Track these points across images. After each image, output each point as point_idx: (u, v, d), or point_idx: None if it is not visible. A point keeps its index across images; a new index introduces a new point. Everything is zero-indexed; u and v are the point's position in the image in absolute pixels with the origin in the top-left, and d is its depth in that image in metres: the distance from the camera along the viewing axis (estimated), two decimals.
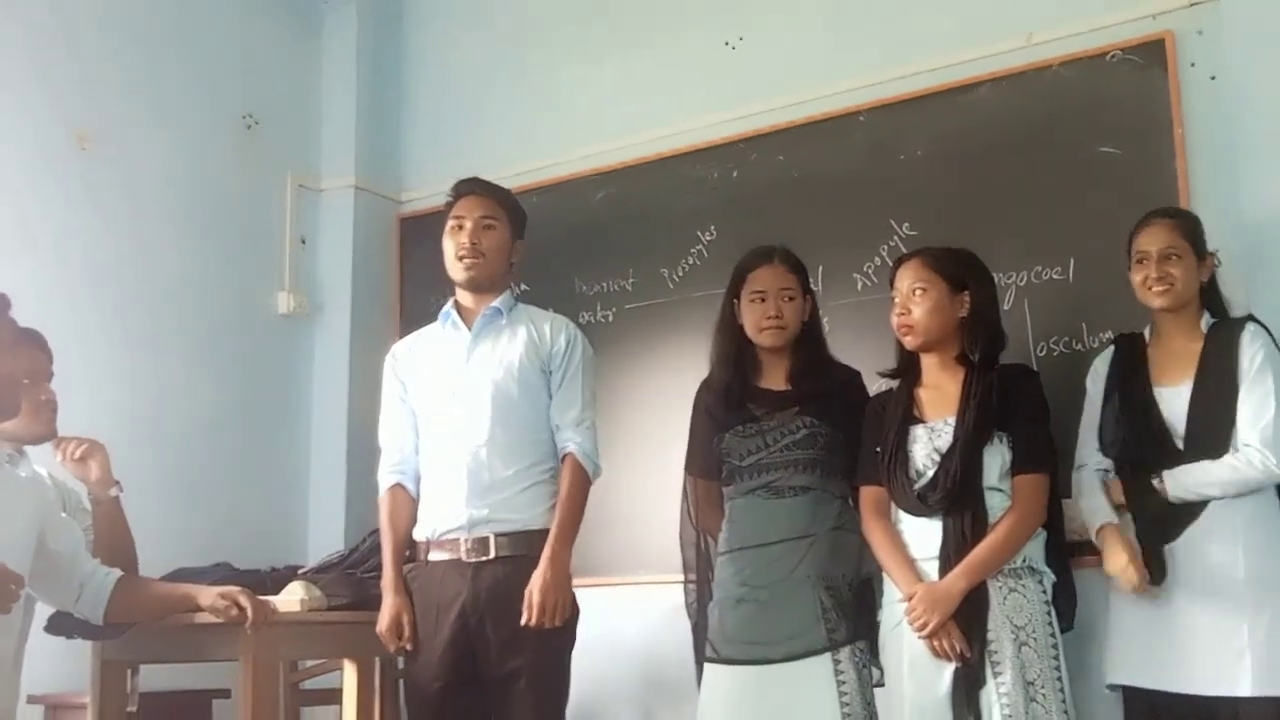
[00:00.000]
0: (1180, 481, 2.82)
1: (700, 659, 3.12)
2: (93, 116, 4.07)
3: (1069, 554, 3.01)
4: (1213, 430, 2.83)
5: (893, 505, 2.98)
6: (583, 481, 3.04)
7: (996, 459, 2.89)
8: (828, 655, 2.93)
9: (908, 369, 3.09)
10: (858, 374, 3.20)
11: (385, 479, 3.13)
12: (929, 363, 3.05)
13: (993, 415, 2.89)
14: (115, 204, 4.10)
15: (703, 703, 3.04)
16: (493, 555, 2.95)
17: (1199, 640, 2.74)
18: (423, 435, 3.12)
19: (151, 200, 4.21)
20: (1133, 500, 2.91)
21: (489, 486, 2.99)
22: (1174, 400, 2.89)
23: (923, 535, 2.91)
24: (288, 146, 4.70)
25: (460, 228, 3.12)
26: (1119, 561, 2.84)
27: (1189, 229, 2.95)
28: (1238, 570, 2.75)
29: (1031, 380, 3.03)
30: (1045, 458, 2.92)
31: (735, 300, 3.17)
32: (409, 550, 3.08)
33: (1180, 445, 2.86)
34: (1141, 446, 2.91)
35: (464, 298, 3.17)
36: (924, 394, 3.04)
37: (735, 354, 3.17)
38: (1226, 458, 2.79)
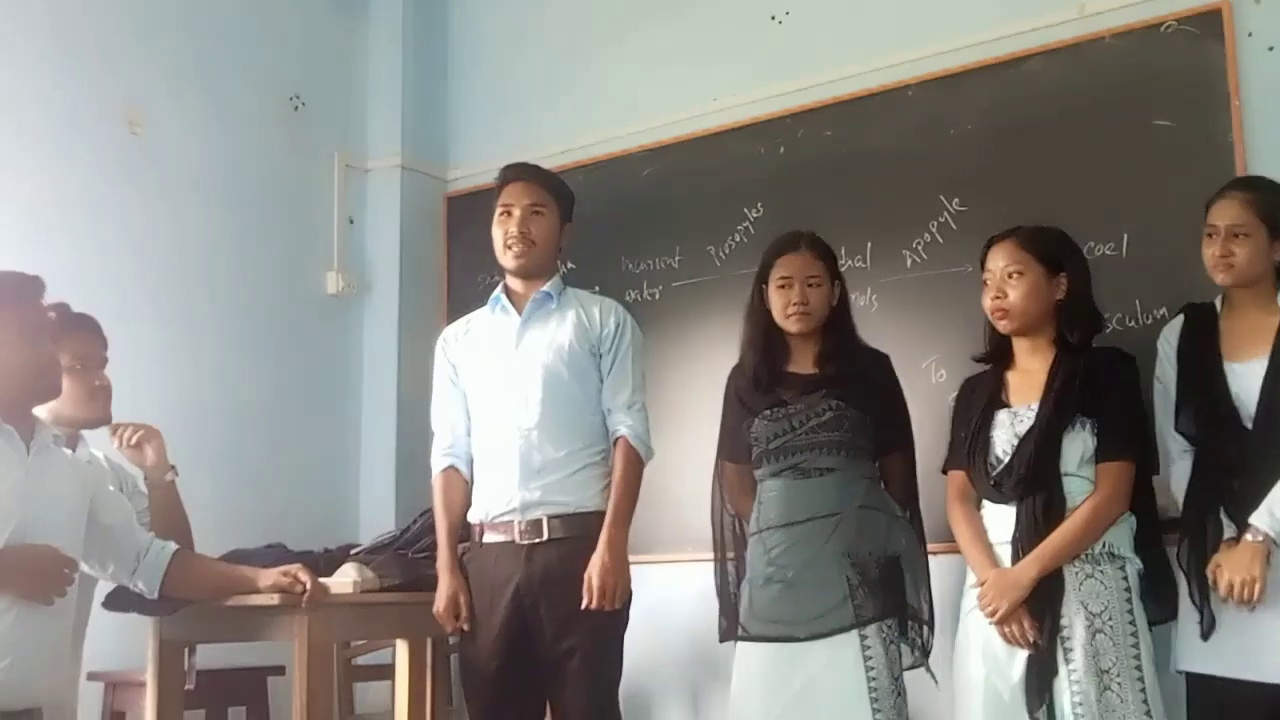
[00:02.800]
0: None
1: (724, 637, 3.15)
2: (143, 100, 4.11)
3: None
4: None
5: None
6: (636, 464, 3.05)
7: (1078, 444, 2.84)
8: (854, 633, 2.92)
9: (999, 353, 3.04)
10: (885, 357, 3.19)
11: (438, 462, 3.16)
12: (1021, 346, 2.99)
13: (1075, 400, 2.84)
14: (165, 187, 4.14)
15: (735, 680, 3.06)
16: (546, 537, 2.97)
17: (1270, 628, 2.67)
18: (474, 419, 3.14)
19: (201, 183, 4.25)
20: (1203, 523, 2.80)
21: (540, 469, 3.00)
22: (1246, 377, 2.78)
23: (1000, 520, 2.89)
24: (335, 127, 4.73)
25: (509, 215, 3.12)
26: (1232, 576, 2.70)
27: (1264, 204, 2.80)
28: None
29: (1123, 365, 2.92)
30: (1129, 444, 2.84)
31: (764, 286, 3.16)
32: (463, 531, 3.10)
33: (1249, 425, 2.75)
34: (1208, 426, 2.81)
35: (513, 282, 3.18)
36: (1013, 378, 2.99)
37: (763, 339, 3.17)
38: None
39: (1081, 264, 2.99)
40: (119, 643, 3.34)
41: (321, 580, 2.99)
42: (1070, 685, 2.73)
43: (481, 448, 3.11)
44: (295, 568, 2.92)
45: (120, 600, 3.01)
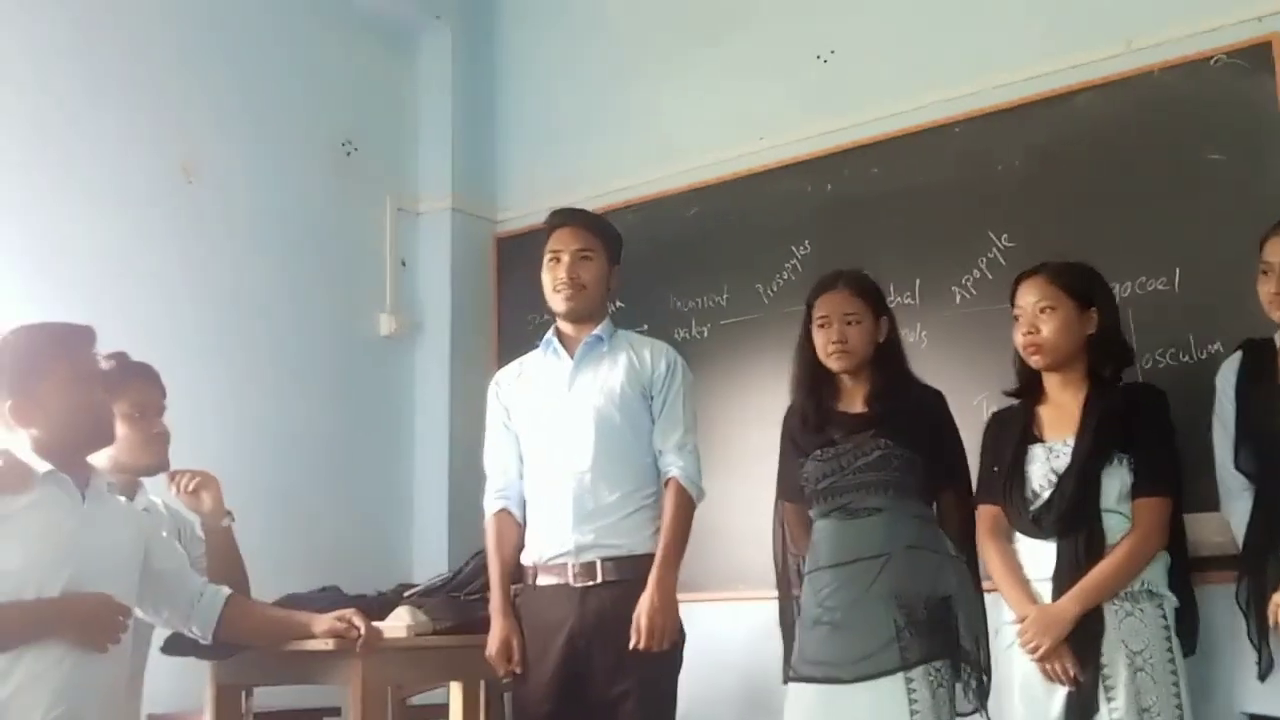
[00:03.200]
0: None
1: (786, 678, 3.13)
2: (198, 148, 4.19)
3: (1193, 574, 2.93)
4: None
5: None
6: (687, 506, 3.05)
7: (1115, 481, 2.84)
8: (900, 675, 2.89)
9: (1030, 387, 3.04)
10: (938, 394, 3.16)
11: (491, 504, 3.18)
12: (1052, 381, 2.99)
13: (1113, 436, 2.84)
14: (220, 233, 4.21)
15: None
16: (600, 580, 2.98)
17: None
18: (527, 462, 3.16)
19: (255, 228, 4.32)
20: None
21: (593, 512, 3.02)
22: None
23: (1037, 556, 2.87)
24: (386, 171, 4.79)
25: (558, 261, 3.15)
26: None
27: None
28: None
29: (1157, 400, 2.94)
30: (1167, 480, 2.84)
31: (810, 325, 3.17)
32: (516, 573, 3.12)
33: None
34: (1268, 463, 2.78)
35: (564, 326, 3.21)
36: (1045, 413, 2.99)
37: (810, 379, 3.17)
38: None
39: (1110, 298, 3.01)
40: (178, 685, 3.37)
41: (375, 624, 3.02)
42: None
43: (534, 490, 3.13)
44: (349, 613, 2.94)
45: (178, 645, 3.04)
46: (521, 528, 3.13)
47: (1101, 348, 2.95)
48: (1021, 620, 2.81)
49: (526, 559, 3.09)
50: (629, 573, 2.97)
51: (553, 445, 3.10)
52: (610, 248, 3.21)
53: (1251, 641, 2.74)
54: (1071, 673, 2.75)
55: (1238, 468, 2.85)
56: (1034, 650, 2.77)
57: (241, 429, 4.11)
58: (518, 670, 3.03)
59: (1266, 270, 2.83)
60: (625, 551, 3.00)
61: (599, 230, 3.21)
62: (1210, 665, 2.94)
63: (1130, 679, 2.73)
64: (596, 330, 3.17)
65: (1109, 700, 2.73)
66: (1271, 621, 2.67)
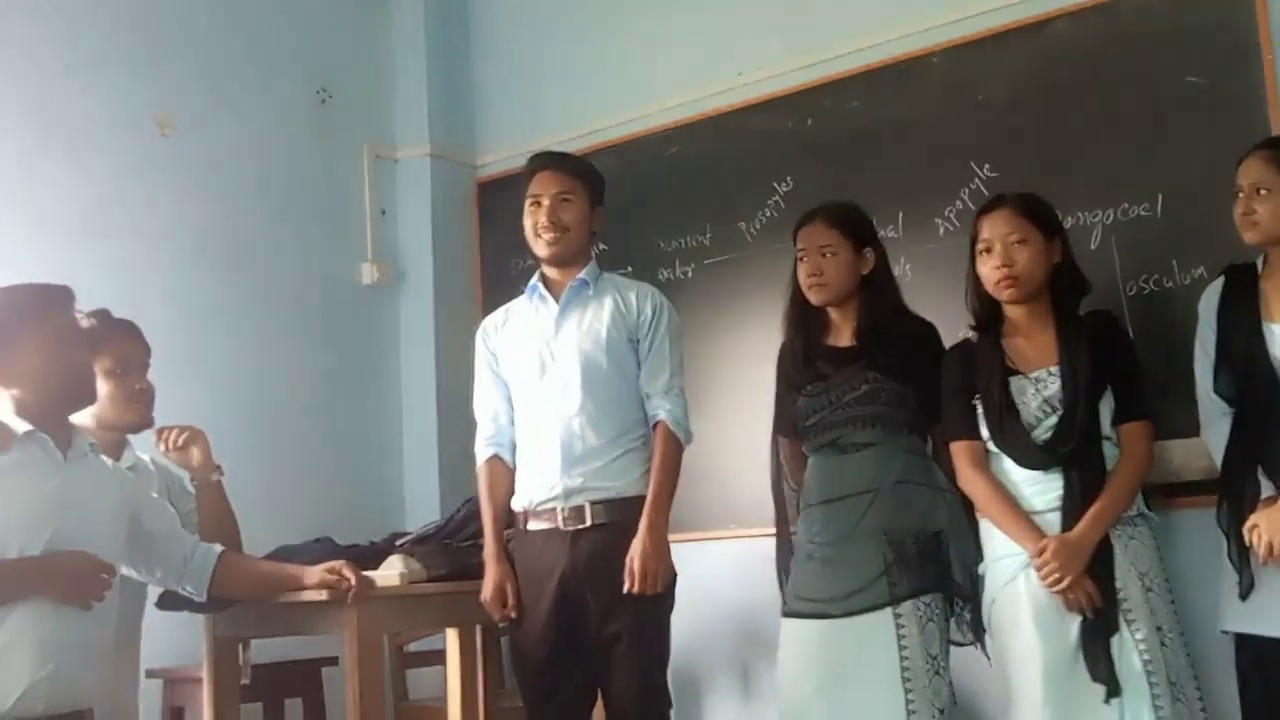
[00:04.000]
0: None
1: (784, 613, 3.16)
2: (172, 101, 4.14)
3: (1175, 498, 3.03)
4: None
5: (995, 458, 2.95)
6: (675, 449, 3.07)
7: (1106, 408, 2.87)
8: (888, 610, 2.92)
9: (992, 320, 3.04)
10: (930, 326, 3.15)
11: (482, 451, 3.19)
12: (1019, 313, 2.99)
13: (1100, 364, 2.86)
14: (197, 187, 4.18)
15: (780, 656, 3.09)
16: (589, 523, 3.00)
17: None
18: (516, 408, 3.17)
19: (232, 181, 4.28)
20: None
21: (582, 456, 3.03)
22: None
23: (1038, 488, 2.88)
24: (362, 118, 4.74)
25: (538, 205, 3.13)
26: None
27: None
28: None
29: (1121, 326, 3.00)
30: (1148, 404, 2.90)
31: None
32: (508, 519, 3.14)
33: None
34: (1247, 387, 2.80)
35: (549, 270, 3.20)
36: (1017, 345, 2.98)
37: (798, 314, 3.18)
38: None
39: (1063, 228, 3.03)
40: (175, 640, 3.40)
41: (368, 574, 3.03)
42: (1137, 645, 2.75)
43: (524, 436, 3.14)
44: (340, 564, 2.96)
45: (172, 600, 3.06)
46: (512, 473, 3.15)
47: (1068, 278, 2.97)
48: (1040, 553, 2.80)
49: (517, 504, 3.11)
50: (618, 515, 2.99)
51: (540, 391, 3.10)
52: (591, 190, 3.19)
53: (1232, 562, 2.77)
54: (1094, 600, 2.77)
55: (1217, 392, 2.86)
56: (1057, 581, 2.77)
57: (228, 383, 4.10)
58: (513, 615, 3.06)
59: (1238, 192, 2.84)
60: (614, 494, 3.01)
61: (579, 172, 3.19)
62: (1192, 587, 2.97)
63: (1144, 600, 2.77)
64: (581, 274, 3.16)
65: (1130, 623, 2.76)
66: (1249, 542, 2.69)
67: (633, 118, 4.41)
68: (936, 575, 2.97)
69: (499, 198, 4.62)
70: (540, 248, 3.14)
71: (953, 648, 3.00)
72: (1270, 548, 2.64)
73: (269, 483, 3.97)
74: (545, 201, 3.12)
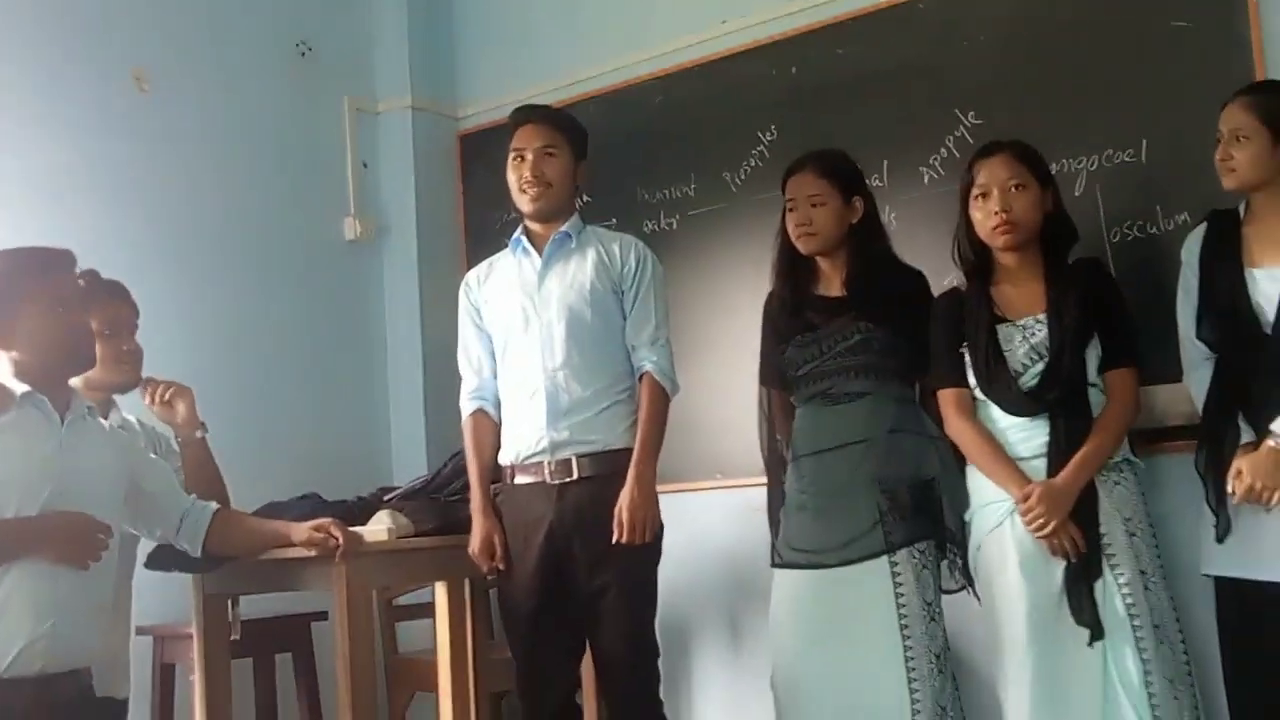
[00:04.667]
0: None
1: (773, 562, 3.17)
2: (149, 57, 4.09)
3: (1159, 443, 3.05)
4: None
5: (981, 405, 2.96)
6: (662, 400, 3.07)
7: (1093, 355, 2.89)
8: (884, 558, 2.94)
9: (982, 267, 3.03)
10: (920, 275, 3.16)
11: (467, 406, 3.19)
12: (1009, 260, 2.99)
13: (1088, 311, 2.87)
14: (176, 142, 4.13)
15: (773, 605, 3.11)
16: (576, 476, 3.01)
17: None
18: (500, 361, 3.17)
19: (212, 136, 4.24)
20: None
21: (568, 409, 3.03)
22: (1267, 283, 2.77)
23: (1024, 434, 2.89)
24: (343, 71, 4.69)
25: (522, 159, 3.12)
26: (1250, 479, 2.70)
27: (1266, 107, 2.78)
28: None
29: (1108, 274, 3.01)
30: (1135, 351, 2.91)
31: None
32: (495, 472, 3.14)
33: (1269, 331, 2.74)
34: (1229, 333, 2.81)
35: (532, 224, 3.19)
36: (1006, 292, 2.99)
37: (788, 265, 3.18)
38: None
39: (1053, 179, 3.03)
40: (164, 597, 3.40)
41: (356, 529, 3.04)
42: (1120, 589, 2.78)
43: (509, 390, 3.14)
44: (327, 522, 2.96)
45: (161, 560, 3.07)
46: (498, 427, 3.15)
47: (1059, 225, 2.97)
48: (1025, 498, 2.82)
49: (504, 458, 3.11)
50: (605, 468, 3.00)
51: (525, 344, 3.10)
52: (575, 143, 3.17)
53: (1210, 506, 2.79)
54: (1080, 545, 2.79)
55: (1199, 337, 2.87)
56: (1041, 526, 2.79)
57: (212, 341, 4.08)
58: (501, 567, 3.07)
59: (1219, 138, 2.84)
60: (600, 447, 3.02)
61: (563, 126, 3.17)
62: (1175, 532, 2.99)
63: (1128, 544, 2.80)
64: (564, 227, 3.14)
65: (1113, 568, 2.79)
66: (1230, 490, 2.71)
67: (616, 68, 4.37)
68: (929, 523, 2.99)
69: (482, 150, 4.59)
70: (524, 202, 3.13)
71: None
72: (1251, 490, 2.65)
73: (255, 439, 3.96)
74: (529, 155, 3.11)
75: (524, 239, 3.18)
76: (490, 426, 3.16)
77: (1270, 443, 2.66)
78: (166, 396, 3.12)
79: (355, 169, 4.68)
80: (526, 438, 3.06)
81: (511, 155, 3.15)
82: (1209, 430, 2.83)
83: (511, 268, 3.19)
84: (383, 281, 4.72)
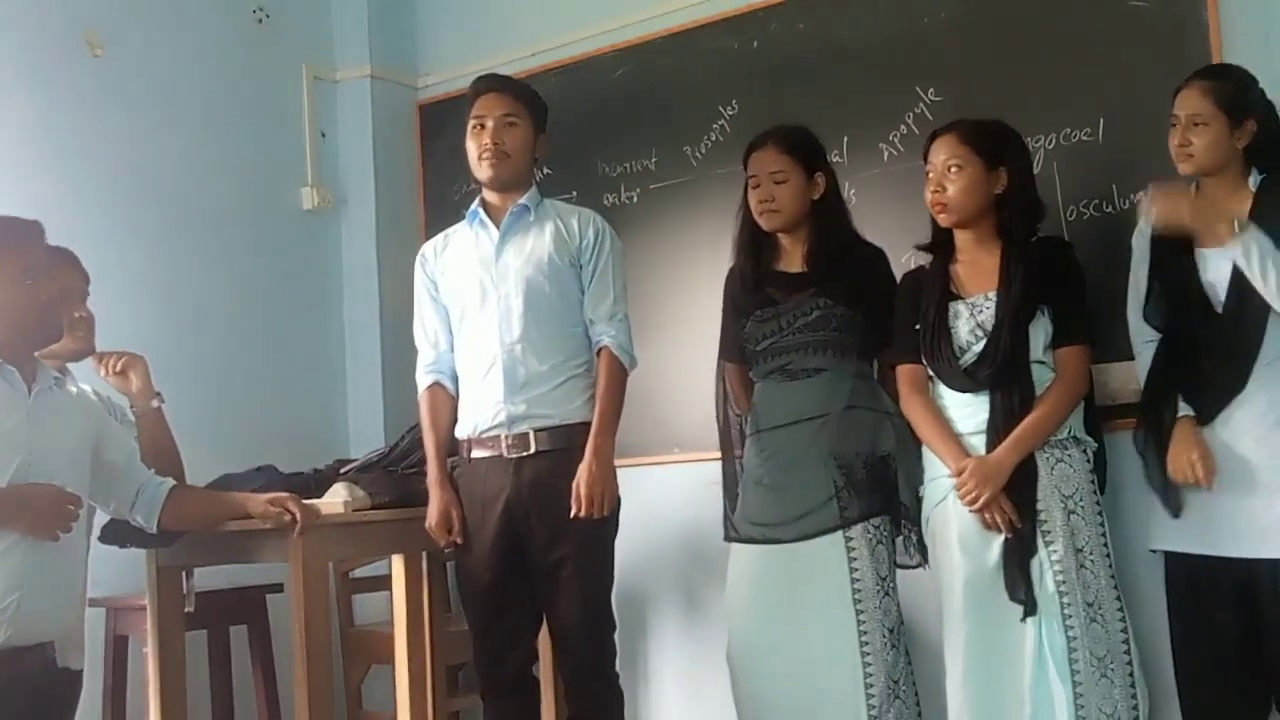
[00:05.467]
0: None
1: (727, 537, 3.20)
2: (103, 20, 4.02)
3: (1109, 421, 3.05)
4: (1256, 291, 2.73)
5: (933, 382, 2.99)
6: (620, 374, 3.07)
7: (1040, 332, 2.91)
8: (839, 533, 2.97)
9: (943, 244, 3.06)
10: (880, 252, 3.18)
11: (423, 379, 3.18)
12: (964, 238, 3.03)
13: (1036, 289, 2.89)
14: (131, 108, 4.06)
15: (729, 580, 3.13)
16: (533, 450, 3.00)
17: (1242, 506, 2.74)
18: (457, 335, 3.16)
19: (167, 103, 4.17)
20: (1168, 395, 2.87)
21: (525, 383, 3.03)
22: (1217, 262, 2.81)
23: (967, 410, 2.93)
24: (300, 38, 4.63)
25: (481, 128, 3.10)
26: (1182, 459, 2.78)
27: (1223, 93, 2.80)
28: (1278, 436, 2.72)
29: (1069, 252, 3.02)
30: (1086, 329, 2.94)
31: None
32: (452, 446, 3.13)
33: (1220, 310, 2.78)
34: (1179, 313, 2.85)
35: (490, 196, 3.17)
36: (961, 269, 3.02)
37: (750, 240, 3.18)
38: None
39: (1023, 155, 3.04)
40: (118, 568, 3.38)
41: (312, 502, 3.03)
42: (1052, 566, 2.82)
43: (465, 363, 3.13)
44: (283, 497, 2.95)
45: (116, 535, 3.05)
46: (454, 400, 3.14)
47: (1011, 205, 2.98)
48: (959, 473, 2.86)
49: (460, 431, 3.11)
50: (562, 441, 3.00)
51: (482, 317, 3.09)
52: (536, 115, 3.15)
53: (1150, 485, 2.85)
54: (1012, 520, 2.82)
55: (1145, 319, 2.92)
56: (974, 500, 2.83)
57: (167, 311, 4.03)
58: (458, 541, 3.07)
59: (1174, 123, 2.86)
60: (558, 421, 3.02)
61: (524, 96, 3.16)
62: (1122, 507, 3.04)
63: (1065, 522, 2.83)
64: (522, 200, 3.13)
65: (1048, 545, 2.82)
66: (1181, 479, 2.77)
67: (577, 39, 4.34)
68: (884, 498, 3.02)
69: (441, 120, 4.55)
70: (482, 171, 3.11)
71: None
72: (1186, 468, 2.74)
73: (211, 410, 3.93)
74: (489, 124, 3.09)
75: (481, 211, 3.17)
76: (447, 400, 3.15)
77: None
78: (119, 367, 3.09)
79: (313, 138, 4.62)
80: (483, 411, 3.05)
81: (471, 124, 3.13)
82: (1149, 410, 2.89)
83: (469, 240, 3.18)
84: (340, 252, 4.68)
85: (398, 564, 3.47)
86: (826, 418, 3.03)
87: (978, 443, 2.90)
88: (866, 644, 2.93)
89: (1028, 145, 3.11)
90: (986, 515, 2.84)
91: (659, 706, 4.07)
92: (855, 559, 2.96)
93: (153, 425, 3.11)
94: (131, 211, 4.02)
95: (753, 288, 3.18)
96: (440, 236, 3.27)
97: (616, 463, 3.06)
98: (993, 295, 2.94)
